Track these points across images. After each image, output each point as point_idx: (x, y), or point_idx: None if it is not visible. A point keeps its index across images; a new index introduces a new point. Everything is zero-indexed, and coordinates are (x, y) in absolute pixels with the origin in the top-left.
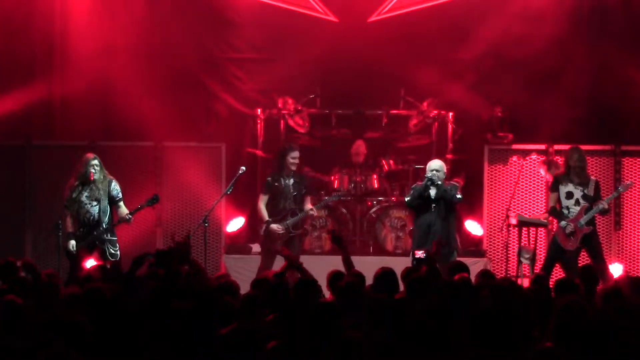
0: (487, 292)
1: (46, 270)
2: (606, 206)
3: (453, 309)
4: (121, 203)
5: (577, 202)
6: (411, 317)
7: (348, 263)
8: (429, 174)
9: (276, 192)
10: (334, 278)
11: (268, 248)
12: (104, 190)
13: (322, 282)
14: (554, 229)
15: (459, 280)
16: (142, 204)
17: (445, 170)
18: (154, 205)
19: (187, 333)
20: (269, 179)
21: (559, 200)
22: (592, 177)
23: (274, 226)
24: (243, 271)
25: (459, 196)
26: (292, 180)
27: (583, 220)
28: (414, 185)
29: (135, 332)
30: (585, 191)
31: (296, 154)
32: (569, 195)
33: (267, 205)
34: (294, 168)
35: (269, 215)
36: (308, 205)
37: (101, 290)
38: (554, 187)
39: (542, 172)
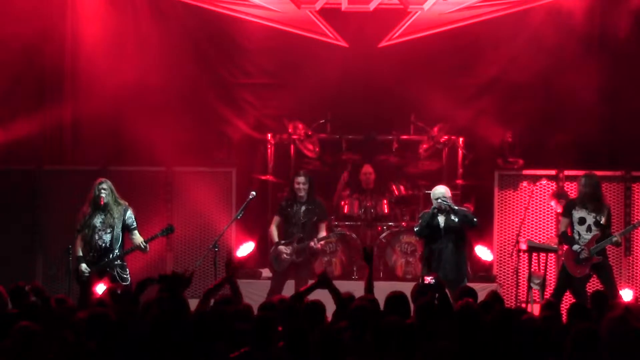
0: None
1: (57, 295)
2: (619, 239)
3: (461, 333)
4: (135, 231)
5: (589, 229)
6: (420, 341)
7: (370, 284)
8: (435, 203)
9: (287, 217)
10: (348, 301)
11: (273, 270)
12: (118, 218)
13: (331, 307)
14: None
15: (464, 305)
16: (157, 234)
17: (449, 195)
18: (168, 235)
19: (195, 357)
20: (283, 203)
21: (570, 225)
22: (606, 204)
23: (281, 247)
24: (253, 296)
25: (475, 219)
26: (304, 207)
27: (593, 249)
28: (422, 213)
29: (142, 356)
30: (598, 218)
31: (300, 179)
32: (582, 220)
33: (278, 230)
34: (301, 193)
35: (279, 241)
36: (322, 233)
37: (108, 316)
38: (566, 212)
39: (553, 204)
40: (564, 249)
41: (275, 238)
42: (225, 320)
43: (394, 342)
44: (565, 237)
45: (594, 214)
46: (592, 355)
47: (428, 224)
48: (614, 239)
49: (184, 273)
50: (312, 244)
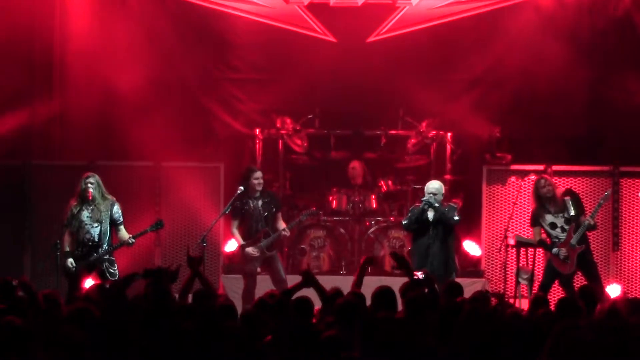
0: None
1: (45, 290)
2: (592, 222)
3: (450, 331)
4: (122, 226)
5: (562, 230)
6: (409, 337)
7: (360, 280)
8: (426, 197)
9: (246, 215)
10: (335, 296)
11: (245, 271)
12: (105, 212)
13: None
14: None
15: (454, 303)
16: (146, 229)
17: (443, 191)
18: (157, 230)
19: (183, 353)
20: (237, 203)
21: (544, 232)
22: (566, 197)
23: (249, 249)
24: (241, 291)
25: (456, 217)
26: (260, 201)
27: (574, 240)
28: (412, 207)
29: (128, 352)
30: (566, 215)
31: (258, 174)
32: (553, 225)
33: (240, 229)
34: (258, 188)
35: (243, 239)
36: (281, 224)
37: (90, 311)
38: (534, 222)
39: None
40: None
41: (240, 240)
42: (210, 316)
43: (382, 337)
44: (543, 244)
45: (560, 214)
46: (573, 351)
47: (417, 219)
48: (586, 223)
49: (168, 267)
50: (284, 233)
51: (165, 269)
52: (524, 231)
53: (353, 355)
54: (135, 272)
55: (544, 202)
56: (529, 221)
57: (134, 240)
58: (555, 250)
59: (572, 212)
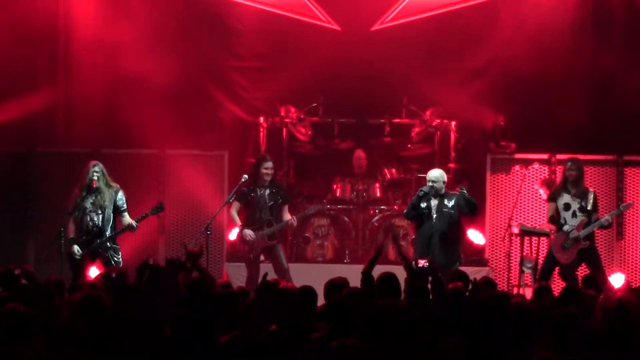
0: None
1: (50, 277)
2: (610, 220)
3: (450, 318)
4: (125, 213)
5: (574, 214)
6: (410, 325)
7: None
8: (427, 185)
9: (252, 203)
10: (331, 287)
11: (248, 258)
12: (109, 200)
13: (321, 291)
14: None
15: (454, 290)
16: (147, 213)
17: (445, 180)
18: (159, 214)
19: (186, 341)
20: (245, 189)
21: (556, 211)
22: (590, 189)
23: (246, 231)
24: (244, 279)
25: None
26: (267, 191)
27: (582, 234)
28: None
29: (135, 339)
30: (583, 203)
31: (269, 164)
32: (567, 206)
33: (242, 215)
34: (267, 178)
35: (245, 226)
36: (287, 215)
37: (101, 298)
38: (551, 197)
39: (542, 192)
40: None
41: (238, 222)
42: (221, 303)
43: (388, 326)
44: (555, 221)
45: (578, 200)
46: (577, 340)
47: (414, 206)
48: (604, 221)
49: (192, 250)
50: (291, 222)
51: (190, 252)
52: (528, 220)
53: (351, 343)
54: (146, 259)
55: (566, 182)
56: (533, 210)
57: (137, 224)
58: (567, 227)
59: (590, 207)
